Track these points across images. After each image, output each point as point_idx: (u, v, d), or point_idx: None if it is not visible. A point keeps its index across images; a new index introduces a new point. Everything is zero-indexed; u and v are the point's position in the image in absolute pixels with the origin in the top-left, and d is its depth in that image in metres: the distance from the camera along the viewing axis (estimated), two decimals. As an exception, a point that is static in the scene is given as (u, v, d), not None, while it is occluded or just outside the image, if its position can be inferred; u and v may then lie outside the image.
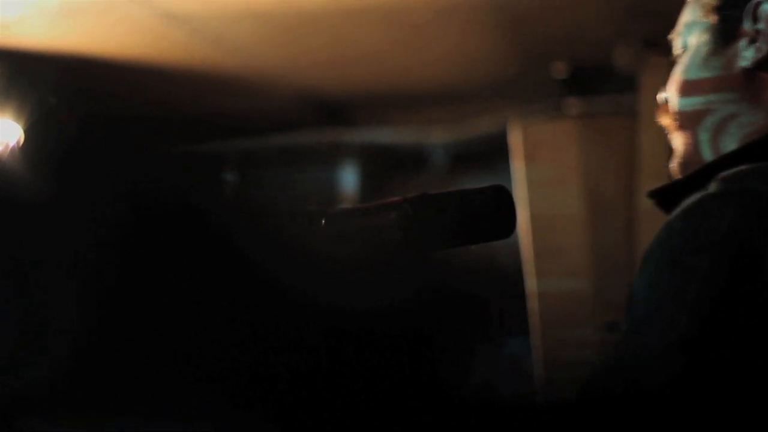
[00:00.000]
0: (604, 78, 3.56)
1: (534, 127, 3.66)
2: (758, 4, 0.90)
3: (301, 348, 0.58)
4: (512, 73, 3.72)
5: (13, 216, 0.57)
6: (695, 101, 0.95)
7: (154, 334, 0.56)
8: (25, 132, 3.10)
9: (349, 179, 4.47)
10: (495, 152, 3.94)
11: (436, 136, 4.32)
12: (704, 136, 0.94)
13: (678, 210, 0.79)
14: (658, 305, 0.73)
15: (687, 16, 0.98)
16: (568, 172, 3.53)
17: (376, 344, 0.60)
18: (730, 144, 0.91)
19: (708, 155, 0.93)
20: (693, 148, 0.95)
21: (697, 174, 0.86)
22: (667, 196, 0.90)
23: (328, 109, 4.21)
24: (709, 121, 0.93)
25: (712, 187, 0.78)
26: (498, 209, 0.86)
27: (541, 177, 3.59)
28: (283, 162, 4.37)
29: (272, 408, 0.57)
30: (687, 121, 0.96)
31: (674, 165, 0.99)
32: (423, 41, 3.38)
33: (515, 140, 3.70)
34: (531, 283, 3.61)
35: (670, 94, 0.98)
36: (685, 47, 0.98)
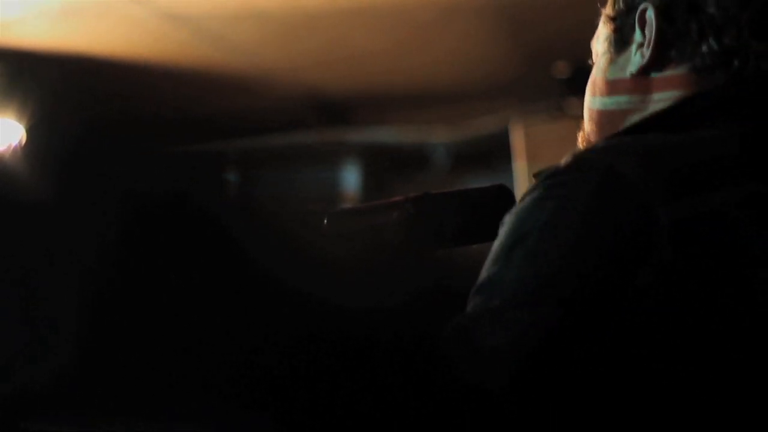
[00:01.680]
0: (606, 78, 3.54)
1: (535, 126, 3.66)
2: (644, 11, 0.90)
3: (302, 347, 0.58)
4: (514, 73, 3.72)
5: (16, 216, 0.57)
6: (600, 120, 0.96)
7: (156, 334, 0.56)
8: (27, 132, 3.10)
9: (350, 179, 4.47)
10: (496, 152, 3.94)
11: (438, 135, 4.32)
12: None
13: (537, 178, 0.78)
14: (494, 272, 0.72)
15: (599, 27, 1.01)
16: (570, 171, 3.51)
17: (378, 343, 0.60)
18: None
19: None
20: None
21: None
22: None
23: (330, 108, 4.21)
24: (607, 119, 0.95)
25: (564, 161, 0.78)
26: (499, 209, 0.86)
27: (542, 177, 3.58)
28: (284, 162, 4.37)
29: (273, 408, 0.57)
30: (594, 139, 0.98)
31: None
32: (425, 41, 3.38)
33: (517, 140, 3.70)
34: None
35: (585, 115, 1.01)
36: (595, 57, 1.00)
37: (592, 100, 0.98)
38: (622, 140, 0.83)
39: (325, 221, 0.86)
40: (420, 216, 0.82)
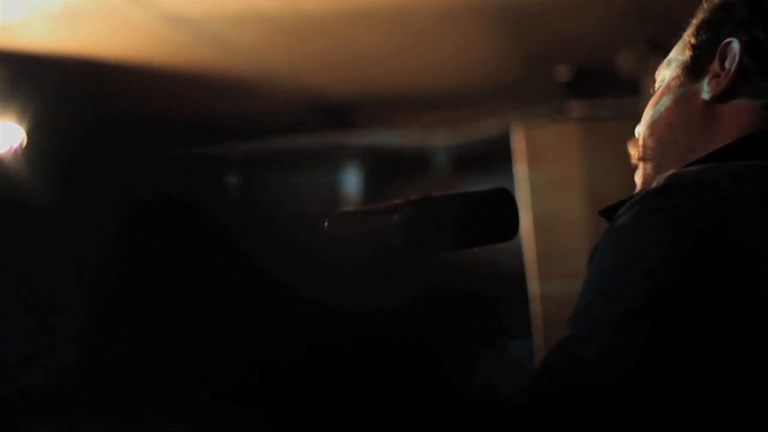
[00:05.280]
0: (607, 81, 3.55)
1: (537, 130, 3.66)
2: (728, 44, 0.92)
3: (304, 351, 0.58)
4: (515, 76, 3.72)
5: (17, 219, 0.57)
6: (663, 138, 0.97)
7: (158, 337, 0.56)
8: (28, 135, 3.10)
9: (352, 182, 4.47)
10: (498, 155, 3.94)
11: (439, 138, 4.32)
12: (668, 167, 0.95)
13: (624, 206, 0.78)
14: (604, 289, 0.72)
15: (672, 53, 1.02)
16: (571, 174, 3.52)
17: (379, 347, 0.60)
18: None
19: None
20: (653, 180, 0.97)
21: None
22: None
23: (331, 111, 4.22)
24: (673, 154, 0.96)
25: (657, 182, 0.78)
26: (501, 212, 0.86)
27: (543, 180, 3.59)
28: (286, 165, 4.37)
29: (275, 410, 0.57)
30: (654, 154, 0.99)
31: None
32: (426, 44, 3.38)
33: (518, 143, 3.70)
34: (534, 286, 3.61)
35: (642, 130, 1.01)
36: (662, 82, 1.01)
37: (656, 115, 0.99)
38: (712, 164, 0.83)
39: (326, 224, 0.85)
40: (421, 219, 0.82)
